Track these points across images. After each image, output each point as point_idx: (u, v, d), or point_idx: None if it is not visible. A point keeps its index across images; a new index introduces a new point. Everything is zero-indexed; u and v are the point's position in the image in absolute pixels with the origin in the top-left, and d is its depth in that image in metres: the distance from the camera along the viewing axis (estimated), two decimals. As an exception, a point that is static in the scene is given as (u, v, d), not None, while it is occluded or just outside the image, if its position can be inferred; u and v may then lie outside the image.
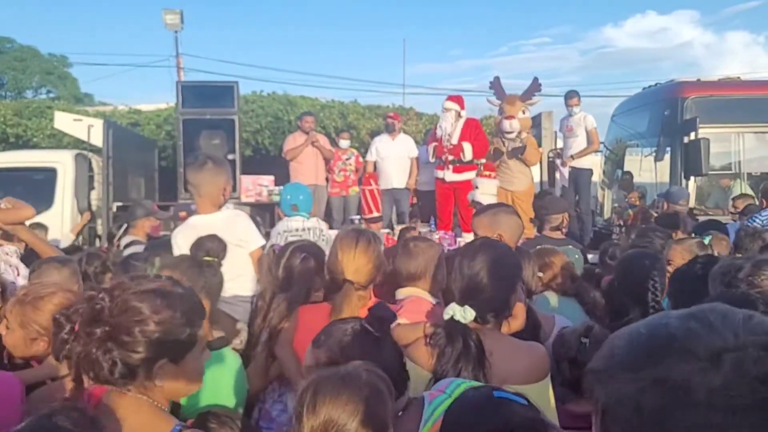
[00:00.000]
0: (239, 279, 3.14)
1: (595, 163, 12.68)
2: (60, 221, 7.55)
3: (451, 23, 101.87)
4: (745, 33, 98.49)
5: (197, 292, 2.20)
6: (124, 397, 1.44)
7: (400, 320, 2.20)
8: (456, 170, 7.47)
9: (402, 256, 2.51)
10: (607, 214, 9.81)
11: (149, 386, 1.46)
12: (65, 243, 6.89)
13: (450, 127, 7.46)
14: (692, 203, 7.65)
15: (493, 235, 2.73)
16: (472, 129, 7.58)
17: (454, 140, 7.41)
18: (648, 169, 8.86)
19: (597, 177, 10.43)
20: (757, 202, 6.67)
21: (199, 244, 2.50)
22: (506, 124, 7.13)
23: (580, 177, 8.24)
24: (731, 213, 6.89)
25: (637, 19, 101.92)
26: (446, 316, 1.92)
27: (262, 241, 3.40)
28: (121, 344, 1.40)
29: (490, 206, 3.26)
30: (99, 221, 7.81)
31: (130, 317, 1.41)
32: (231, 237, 3.15)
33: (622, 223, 8.34)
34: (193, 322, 1.51)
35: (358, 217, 8.79)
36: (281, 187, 8.52)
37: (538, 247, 3.92)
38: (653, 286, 2.68)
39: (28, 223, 5.29)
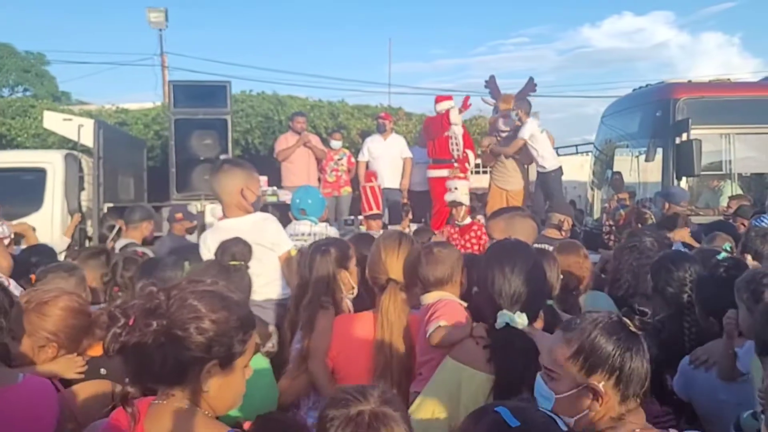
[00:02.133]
0: (272, 283, 3.11)
1: (581, 163, 12.78)
2: (50, 223, 7.40)
3: (430, 22, 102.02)
4: (720, 34, 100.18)
5: None
6: (171, 408, 1.43)
7: (440, 323, 2.20)
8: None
9: (428, 263, 2.47)
10: (596, 214, 9.87)
11: (197, 391, 1.44)
12: (59, 245, 6.80)
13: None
14: (684, 204, 7.73)
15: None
16: (466, 132, 7.71)
17: (461, 142, 7.48)
18: (638, 169, 8.95)
19: (587, 177, 10.53)
20: (748, 202, 6.79)
21: (225, 249, 2.47)
22: (501, 123, 7.17)
23: (547, 179, 8.07)
24: (724, 214, 6.97)
25: (613, 20, 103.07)
26: (501, 323, 1.94)
27: (291, 244, 3.37)
28: (175, 339, 1.39)
29: (505, 210, 3.26)
30: (89, 222, 7.68)
31: (187, 313, 1.41)
32: (263, 240, 3.13)
33: (612, 223, 8.37)
34: (246, 329, 1.51)
35: (352, 217, 8.77)
36: (274, 188, 8.49)
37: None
38: (688, 287, 2.71)
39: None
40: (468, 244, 6.26)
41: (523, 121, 7.89)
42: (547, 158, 7.94)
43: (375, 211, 6.78)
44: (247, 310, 1.54)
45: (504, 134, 7.35)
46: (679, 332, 2.74)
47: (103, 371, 2.21)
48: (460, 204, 6.57)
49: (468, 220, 6.42)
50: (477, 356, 2.02)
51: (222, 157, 7.96)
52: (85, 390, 2.11)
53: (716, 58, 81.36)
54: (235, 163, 3.43)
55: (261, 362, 2.32)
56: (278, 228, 3.39)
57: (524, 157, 7.41)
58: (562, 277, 2.93)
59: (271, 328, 2.69)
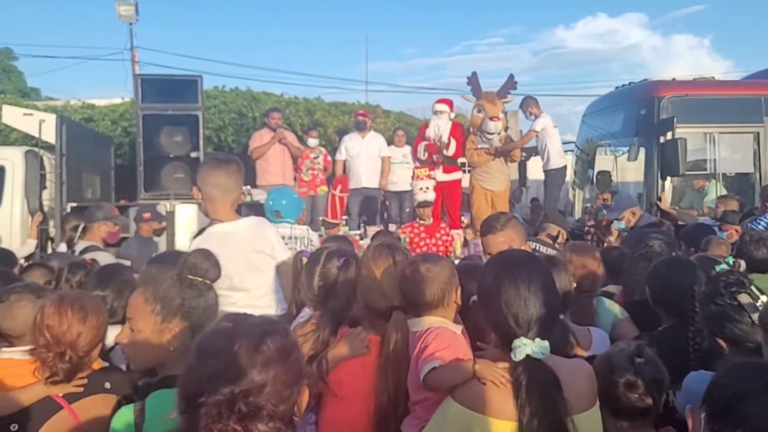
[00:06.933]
0: (270, 295, 2.85)
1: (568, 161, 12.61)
2: (9, 223, 7.10)
3: (406, 21, 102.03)
4: (690, 36, 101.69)
5: (171, 313, 1.97)
6: None
7: (435, 363, 1.88)
8: (446, 170, 7.50)
9: (416, 283, 2.12)
10: (578, 214, 9.71)
11: None
12: (25, 249, 6.51)
13: (441, 129, 7.48)
14: (668, 203, 7.58)
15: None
16: (458, 131, 7.54)
17: (445, 141, 7.37)
18: (618, 169, 8.79)
19: (569, 176, 10.35)
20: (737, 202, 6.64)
21: (185, 260, 2.12)
22: (491, 126, 6.95)
23: (548, 177, 8.08)
24: (712, 218, 6.82)
25: (587, 21, 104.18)
26: (520, 355, 1.65)
27: (289, 253, 3.06)
28: None
29: (495, 220, 2.93)
30: (51, 222, 7.31)
31: None
32: (264, 246, 2.86)
33: (593, 223, 8.21)
34: None
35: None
36: (248, 187, 8.16)
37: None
38: (693, 296, 2.47)
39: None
40: (434, 247, 6.08)
41: (536, 116, 7.90)
42: (553, 155, 7.88)
43: (335, 220, 6.97)
44: None
45: (490, 136, 7.10)
46: (683, 343, 2.51)
47: (107, 385, 2.15)
48: (430, 204, 6.41)
49: (431, 220, 6.36)
50: (484, 399, 1.73)
51: (193, 155, 7.61)
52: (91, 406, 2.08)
53: (688, 60, 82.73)
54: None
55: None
56: (276, 232, 3.12)
57: (507, 157, 7.24)
58: (575, 285, 2.67)
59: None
